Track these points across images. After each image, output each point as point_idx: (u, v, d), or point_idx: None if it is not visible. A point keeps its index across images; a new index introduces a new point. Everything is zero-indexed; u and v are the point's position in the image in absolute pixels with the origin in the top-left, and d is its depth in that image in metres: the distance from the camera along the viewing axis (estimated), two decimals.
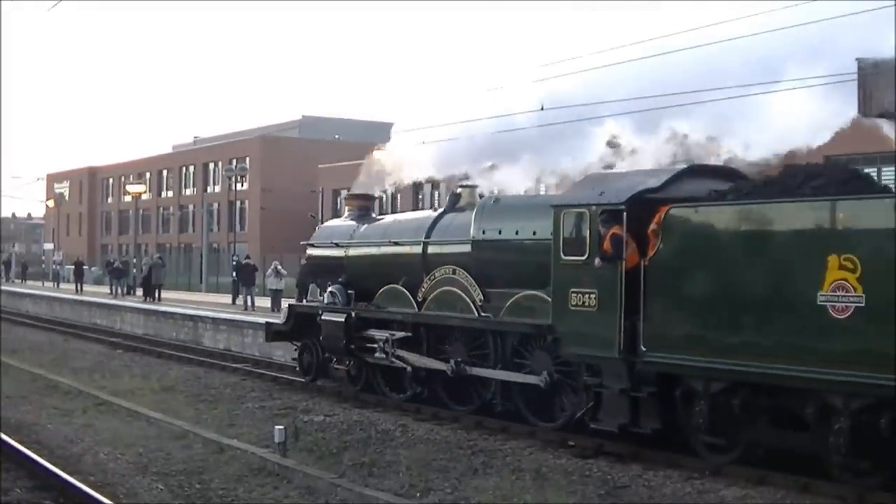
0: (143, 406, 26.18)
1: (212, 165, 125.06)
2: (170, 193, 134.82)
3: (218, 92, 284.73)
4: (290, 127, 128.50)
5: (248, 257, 58.75)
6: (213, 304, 55.69)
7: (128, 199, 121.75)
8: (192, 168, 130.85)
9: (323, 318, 27.52)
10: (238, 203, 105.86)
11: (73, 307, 63.29)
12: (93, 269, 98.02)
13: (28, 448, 20.21)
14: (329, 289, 28.12)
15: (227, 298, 60.28)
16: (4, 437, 21.23)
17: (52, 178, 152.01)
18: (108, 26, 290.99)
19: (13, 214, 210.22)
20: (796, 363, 15.99)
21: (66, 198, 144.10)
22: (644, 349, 18.26)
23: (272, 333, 30.86)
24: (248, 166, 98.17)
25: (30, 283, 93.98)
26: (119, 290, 67.88)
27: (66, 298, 66.80)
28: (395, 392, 26.01)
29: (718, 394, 17.53)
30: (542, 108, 22.91)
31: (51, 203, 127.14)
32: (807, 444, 16.76)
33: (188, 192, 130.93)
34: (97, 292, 71.98)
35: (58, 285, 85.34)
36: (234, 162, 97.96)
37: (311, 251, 30.53)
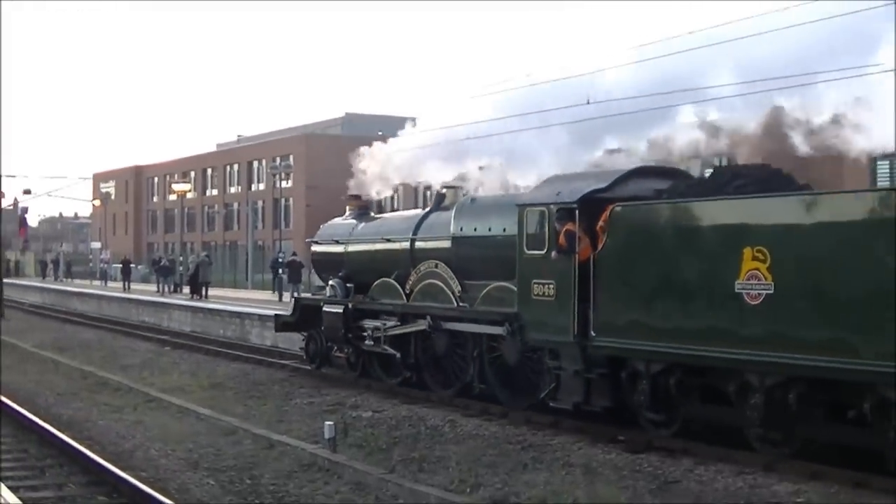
0: (192, 402, 26.29)
1: (256, 163, 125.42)
2: (215, 191, 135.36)
3: (261, 90, 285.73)
4: (333, 124, 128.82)
5: (294, 254, 58.91)
6: (259, 300, 55.87)
7: (173, 197, 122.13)
8: (236, 166, 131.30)
9: (324, 309, 29.91)
10: (283, 200, 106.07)
11: (121, 305, 63.59)
12: (139, 267, 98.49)
13: (80, 444, 20.31)
14: (330, 282, 30.43)
15: (274, 295, 60.49)
16: (57, 433, 21.38)
17: (99, 178, 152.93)
18: (153, 25, 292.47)
19: (60, 214, 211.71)
20: (719, 345, 17.75)
21: (113, 197, 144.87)
22: (594, 334, 20.09)
23: (280, 324, 33.21)
24: (292, 164, 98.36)
25: (77, 281, 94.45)
26: (166, 288, 68.22)
27: (114, 296, 67.14)
28: (389, 377, 28.06)
29: (658, 374, 19.28)
30: (587, 102, 23.40)
31: (97, 202, 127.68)
32: (732, 418, 18.45)
33: (233, 189, 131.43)
34: (144, 290, 72.36)
35: (105, 283, 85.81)
36: (279, 160, 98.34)
37: (315, 248, 32.83)
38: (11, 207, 79.53)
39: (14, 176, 74.35)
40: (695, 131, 23.27)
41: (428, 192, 77.39)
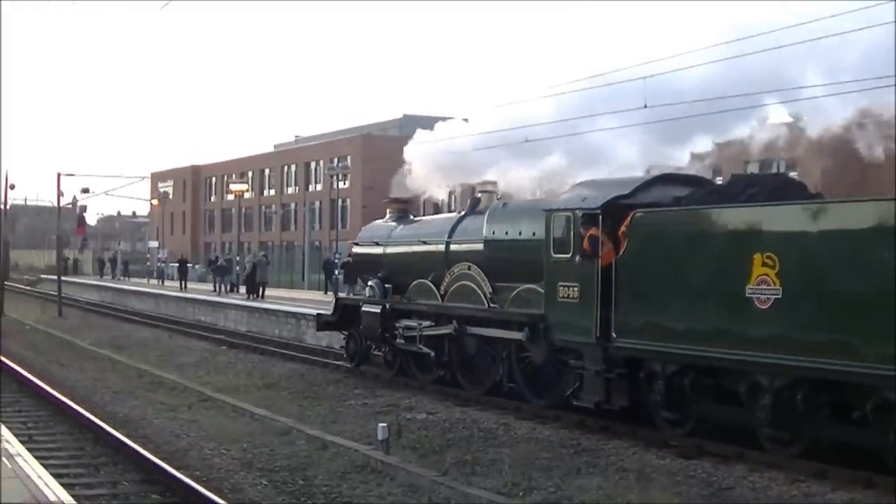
0: (247, 402, 26.42)
1: (313, 164, 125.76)
2: (272, 192, 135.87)
3: (319, 91, 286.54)
4: (390, 125, 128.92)
5: (349, 255, 59.07)
6: (315, 301, 56.00)
7: (230, 197, 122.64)
8: (293, 167, 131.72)
9: (363, 309, 30.91)
10: (340, 201, 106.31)
11: (178, 304, 63.93)
12: (196, 266, 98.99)
13: (135, 442, 20.46)
14: (369, 283, 31.70)
15: (327, 296, 60.65)
16: (112, 431, 21.54)
17: (157, 177, 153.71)
18: (211, 27, 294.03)
19: (118, 213, 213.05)
20: (730, 347, 18.51)
21: (171, 196, 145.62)
22: (615, 336, 20.97)
23: (322, 323, 34.45)
24: (349, 164, 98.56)
25: (135, 280, 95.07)
26: (222, 288, 68.50)
27: (171, 296, 67.52)
28: (424, 375, 29.01)
29: (673, 375, 20.12)
30: (644, 106, 23.49)
31: (155, 201, 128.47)
32: (742, 418, 19.17)
33: (290, 190, 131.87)
34: (201, 289, 72.70)
35: (162, 282, 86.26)
36: (336, 160, 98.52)
37: (355, 249, 34.21)
38: (70, 206, 79.92)
39: (73, 175, 74.35)
40: (779, 129, 23.41)
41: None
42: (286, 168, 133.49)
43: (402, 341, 29.11)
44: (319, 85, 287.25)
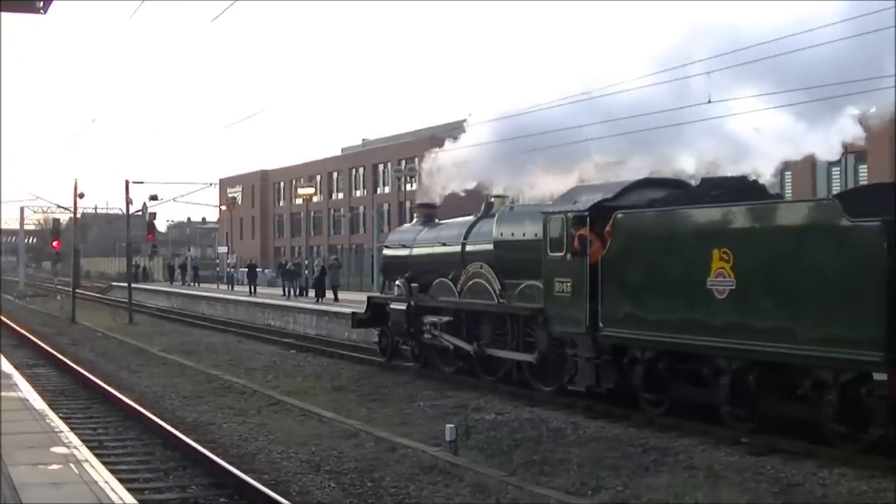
0: (315, 405, 26.56)
1: (381, 167, 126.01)
2: (340, 195, 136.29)
3: (385, 94, 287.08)
4: (457, 126, 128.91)
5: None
6: None
7: (299, 201, 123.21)
8: (361, 170, 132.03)
9: (391, 307, 33.80)
10: (408, 203, 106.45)
11: (247, 309, 64.33)
12: (266, 271, 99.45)
13: (204, 446, 20.62)
14: (396, 283, 34.37)
15: None
16: (182, 436, 21.71)
17: (225, 183, 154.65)
18: (276, 33, 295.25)
19: (188, 219, 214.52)
20: (695, 334, 21.03)
21: (239, 202, 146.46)
22: (601, 325, 23.62)
23: (357, 321, 37.50)
24: (416, 167, 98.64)
25: (204, 285, 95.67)
26: (291, 292, 68.76)
27: (240, 300, 67.95)
28: (446, 367, 31.57)
29: (651, 360, 22.71)
30: (708, 101, 23.93)
31: (224, 207, 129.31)
32: (707, 398, 21.42)
33: (358, 193, 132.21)
34: (270, 294, 73.05)
35: (232, 287, 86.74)
36: (404, 163, 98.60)
37: (385, 251, 37.20)
38: (140, 213, 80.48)
39: (141, 182, 74.93)
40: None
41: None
42: (354, 171, 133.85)
43: (430, 336, 31.71)
44: (386, 88, 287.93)
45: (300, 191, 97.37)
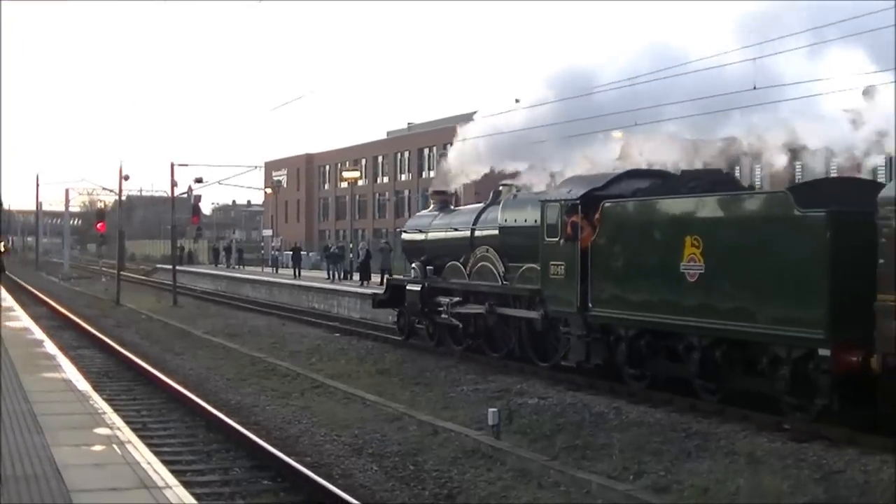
0: (359, 388, 26.74)
1: (427, 150, 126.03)
2: (385, 179, 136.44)
3: (431, 77, 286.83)
4: (503, 110, 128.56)
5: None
6: None
7: (344, 185, 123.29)
8: (406, 153, 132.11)
9: (407, 288, 36.36)
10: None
11: (291, 292, 64.56)
12: (310, 254, 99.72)
13: (247, 429, 20.81)
14: (412, 265, 37.30)
15: None
16: (225, 418, 21.90)
17: (271, 166, 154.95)
18: (321, 16, 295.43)
19: (233, 202, 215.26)
20: (670, 314, 23.44)
21: (284, 185, 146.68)
22: (591, 306, 26.05)
23: (377, 302, 40.14)
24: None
25: (249, 268, 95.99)
26: (336, 275, 68.90)
27: (285, 283, 68.20)
28: (456, 345, 33.64)
29: (633, 338, 25.04)
30: (754, 87, 24.15)
31: (269, 190, 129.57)
32: (682, 372, 23.60)
33: (403, 177, 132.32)
34: (314, 277, 73.22)
35: (276, 271, 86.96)
36: (449, 146, 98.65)
37: (403, 236, 39.91)
38: (185, 196, 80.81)
39: (186, 165, 74.77)
40: None
41: None
42: (399, 155, 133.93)
43: (445, 316, 33.75)
44: (433, 71, 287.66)
45: (345, 174, 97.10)
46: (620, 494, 16.11)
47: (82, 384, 22.06)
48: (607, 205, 25.74)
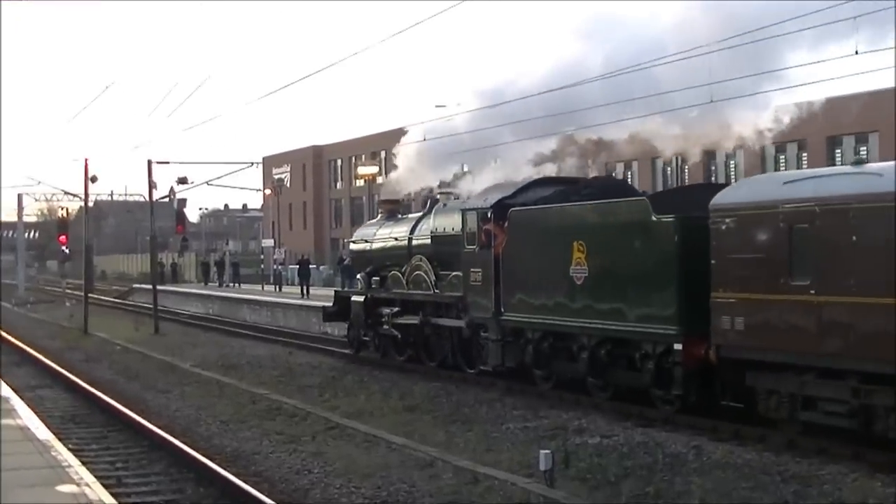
0: (382, 429, 26.85)
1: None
2: None
3: (455, 60, 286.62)
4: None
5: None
6: None
7: (360, 183, 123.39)
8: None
9: (352, 300, 43.39)
10: None
11: (299, 314, 64.60)
12: (321, 268, 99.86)
13: (246, 482, 20.89)
14: (357, 276, 44.70)
15: None
16: (218, 469, 21.97)
17: (270, 162, 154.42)
18: None
19: (225, 206, 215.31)
20: (563, 316, 29.90)
21: (288, 184, 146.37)
22: (503, 311, 32.53)
23: (327, 315, 47.21)
24: None
25: (246, 287, 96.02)
26: None
27: (291, 304, 68.31)
28: (399, 356, 40.12)
29: (538, 340, 31.46)
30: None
31: (269, 191, 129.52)
32: (576, 372, 29.93)
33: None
34: (327, 295, 72.67)
35: (279, 289, 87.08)
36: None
37: (351, 246, 47.12)
38: (166, 200, 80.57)
39: (167, 162, 73.34)
40: None
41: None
42: None
43: (386, 327, 40.16)
44: (457, 54, 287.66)
45: (361, 170, 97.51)
46: None
47: (43, 432, 22.21)
48: (512, 212, 32.32)
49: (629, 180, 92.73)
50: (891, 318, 20.60)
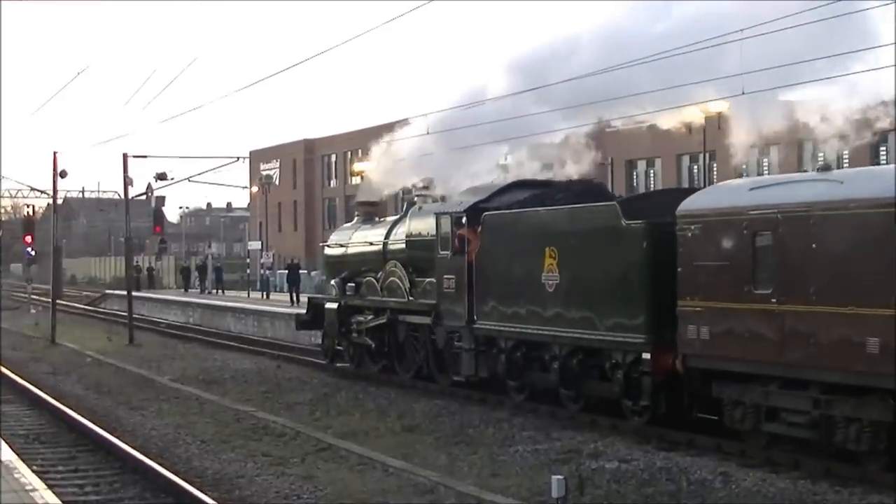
0: (378, 451, 26.87)
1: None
2: None
3: (460, 49, 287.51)
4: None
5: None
6: None
7: (356, 180, 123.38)
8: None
9: (326, 307, 44.33)
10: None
11: (289, 323, 64.27)
12: (313, 273, 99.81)
13: None
14: (331, 282, 44.95)
15: None
16: (198, 493, 21.91)
17: (258, 157, 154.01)
18: None
19: (208, 205, 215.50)
20: (535, 325, 31.27)
21: (277, 182, 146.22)
22: (476, 319, 33.78)
23: (300, 323, 48.63)
24: None
25: (231, 294, 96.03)
26: None
27: (279, 312, 68.19)
28: (373, 365, 41.64)
29: (511, 349, 32.66)
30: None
31: (256, 189, 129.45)
32: (548, 382, 31.31)
33: None
34: None
35: (267, 296, 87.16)
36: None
37: (326, 251, 48.10)
38: (144, 197, 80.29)
39: (145, 157, 72.42)
40: None
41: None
42: None
43: (356, 335, 41.76)
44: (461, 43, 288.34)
45: (357, 166, 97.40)
46: None
47: (5, 453, 22.13)
48: (486, 217, 33.65)
49: (650, 179, 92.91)
50: (850, 328, 22.19)
